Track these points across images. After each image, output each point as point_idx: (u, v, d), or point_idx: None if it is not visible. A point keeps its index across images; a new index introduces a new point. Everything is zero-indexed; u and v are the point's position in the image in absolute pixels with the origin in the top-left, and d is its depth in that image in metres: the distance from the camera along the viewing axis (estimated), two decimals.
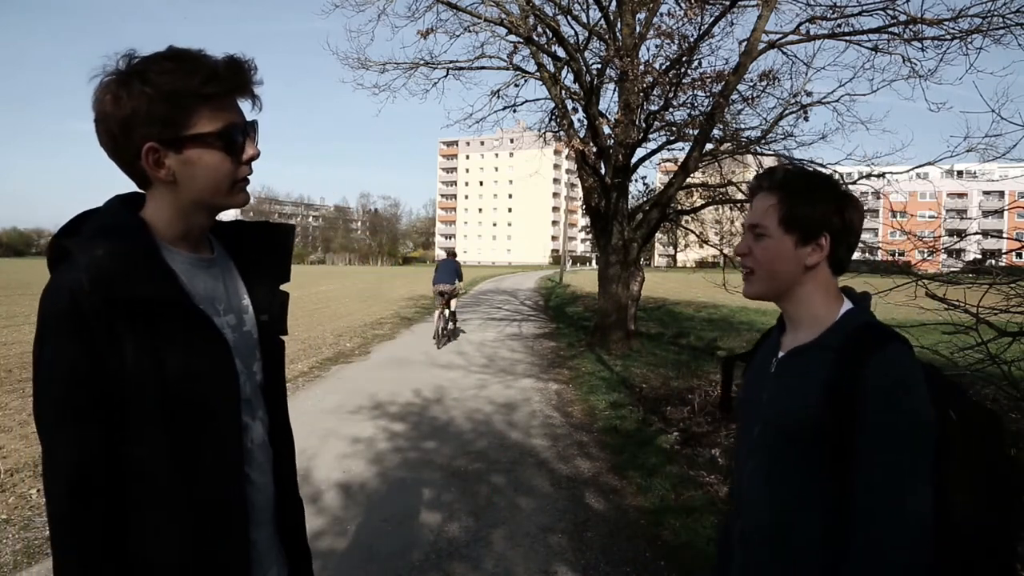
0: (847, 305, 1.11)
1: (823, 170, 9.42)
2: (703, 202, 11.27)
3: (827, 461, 1.01)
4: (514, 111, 10.90)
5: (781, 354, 1.15)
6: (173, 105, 0.92)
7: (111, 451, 0.90)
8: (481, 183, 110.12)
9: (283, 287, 1.18)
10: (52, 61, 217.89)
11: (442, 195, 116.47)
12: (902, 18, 7.68)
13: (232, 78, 0.96)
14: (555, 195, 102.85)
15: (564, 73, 9.85)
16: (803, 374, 1.07)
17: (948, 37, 7.37)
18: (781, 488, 1.07)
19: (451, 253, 11.51)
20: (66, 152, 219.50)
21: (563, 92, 9.77)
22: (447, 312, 10.59)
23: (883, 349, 0.99)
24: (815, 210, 1.09)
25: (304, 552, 1.20)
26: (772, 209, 1.11)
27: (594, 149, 9.48)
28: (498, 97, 10.69)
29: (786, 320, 1.18)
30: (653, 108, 9.39)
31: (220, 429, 0.99)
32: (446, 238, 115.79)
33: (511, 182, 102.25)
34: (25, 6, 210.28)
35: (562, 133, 10.08)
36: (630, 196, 10.40)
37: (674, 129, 9.80)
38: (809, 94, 9.12)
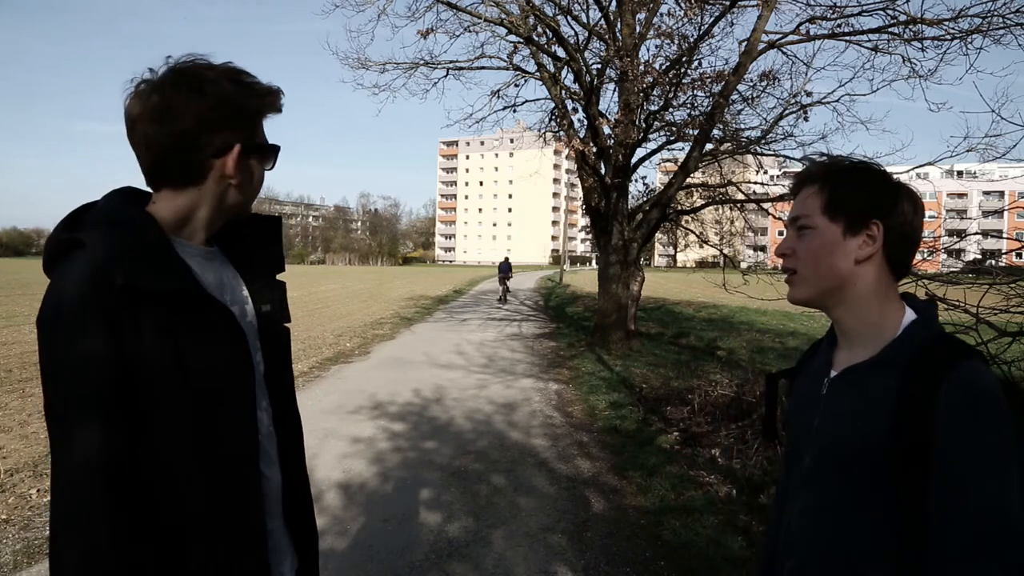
0: (910, 315, 0.96)
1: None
2: (703, 202, 11.28)
3: (894, 495, 0.88)
4: (514, 111, 10.89)
5: (834, 373, 1.00)
6: (252, 114, 1.01)
7: (133, 443, 0.88)
8: (481, 183, 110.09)
9: (278, 276, 1.19)
10: (52, 61, 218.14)
11: (442, 195, 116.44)
12: (902, 18, 7.69)
13: (276, 103, 1.04)
14: (555, 195, 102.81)
15: (564, 73, 9.85)
16: (862, 396, 0.93)
17: (948, 37, 7.38)
18: (839, 526, 0.94)
19: (507, 259, 22.15)
20: (67, 152, 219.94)
21: (563, 92, 9.76)
22: (507, 288, 21.09)
23: (957, 368, 0.85)
24: (862, 191, 0.95)
25: (313, 541, 1.20)
26: (814, 197, 0.98)
27: (594, 149, 9.47)
28: (498, 97, 10.68)
29: (838, 332, 1.03)
30: (653, 108, 9.40)
31: (236, 419, 1.00)
32: (446, 238, 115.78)
33: (511, 182, 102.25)
34: (25, 6, 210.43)
35: (562, 133, 10.07)
36: (630, 196, 10.40)
37: (674, 129, 9.81)
38: (809, 94, 9.15)
